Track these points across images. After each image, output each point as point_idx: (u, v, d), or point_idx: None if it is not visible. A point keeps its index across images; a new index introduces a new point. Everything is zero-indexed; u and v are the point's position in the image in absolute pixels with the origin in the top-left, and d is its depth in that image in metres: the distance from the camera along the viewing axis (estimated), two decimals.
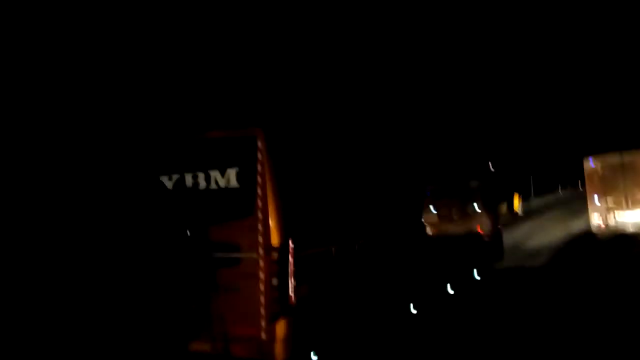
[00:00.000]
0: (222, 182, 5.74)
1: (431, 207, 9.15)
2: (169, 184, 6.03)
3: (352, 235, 6.68)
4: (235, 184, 5.67)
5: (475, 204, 11.64)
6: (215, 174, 5.77)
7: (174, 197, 5.93)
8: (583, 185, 19.82)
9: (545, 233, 20.88)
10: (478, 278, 11.13)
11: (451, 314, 8.81)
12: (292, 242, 5.47)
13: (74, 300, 5.62)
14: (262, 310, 5.39)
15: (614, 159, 18.02)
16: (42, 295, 5.56)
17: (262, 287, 5.41)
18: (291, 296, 5.42)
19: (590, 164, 18.31)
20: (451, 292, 9.51)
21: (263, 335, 5.39)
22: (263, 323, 5.39)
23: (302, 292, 5.57)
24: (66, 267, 5.73)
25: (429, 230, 9.07)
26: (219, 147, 5.79)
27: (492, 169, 12.96)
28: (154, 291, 5.68)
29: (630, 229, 17.34)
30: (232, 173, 5.69)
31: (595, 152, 18.85)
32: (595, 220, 18.31)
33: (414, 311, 7.91)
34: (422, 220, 9.10)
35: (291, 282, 5.43)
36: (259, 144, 5.53)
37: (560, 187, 43.53)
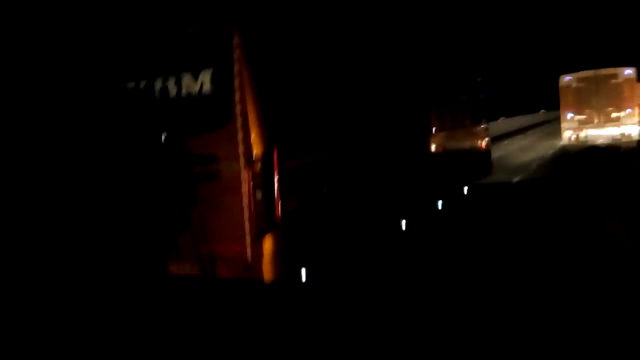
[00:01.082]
0: (195, 87, 5.10)
1: (435, 122, 8.73)
2: (135, 91, 5.38)
3: (343, 146, 6.14)
4: (210, 87, 5.04)
5: (472, 119, 11.24)
6: (187, 78, 5.11)
7: (143, 103, 5.30)
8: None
9: (526, 150, 20.97)
10: (465, 193, 10.86)
11: (442, 230, 8.54)
12: (277, 152, 4.93)
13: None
14: (247, 227, 4.92)
15: (588, 75, 18.30)
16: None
17: (245, 201, 4.92)
18: (277, 210, 4.95)
19: (565, 80, 18.61)
20: (440, 207, 9.20)
21: (248, 253, 4.95)
22: (248, 240, 4.94)
23: (290, 206, 5.09)
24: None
25: (433, 147, 8.66)
26: (190, 46, 5.10)
27: (480, 84, 12.47)
28: (127, 205, 5.18)
29: (600, 142, 18.03)
30: (206, 75, 5.03)
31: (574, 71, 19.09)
32: (567, 135, 18.87)
33: (404, 226, 7.56)
34: (431, 135, 8.64)
35: (277, 195, 4.94)
36: (235, 40, 4.85)
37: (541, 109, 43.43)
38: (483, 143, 12.20)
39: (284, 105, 5.22)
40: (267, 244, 4.96)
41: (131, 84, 5.32)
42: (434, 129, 8.77)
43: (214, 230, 5.06)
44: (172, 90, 5.18)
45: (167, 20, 5.32)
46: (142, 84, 5.31)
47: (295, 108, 5.41)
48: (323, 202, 5.68)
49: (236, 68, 4.86)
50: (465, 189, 10.75)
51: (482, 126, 12.25)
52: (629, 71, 17.97)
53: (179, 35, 5.13)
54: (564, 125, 19.17)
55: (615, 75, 17.93)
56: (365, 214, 6.54)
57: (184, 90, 5.13)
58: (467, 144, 11.05)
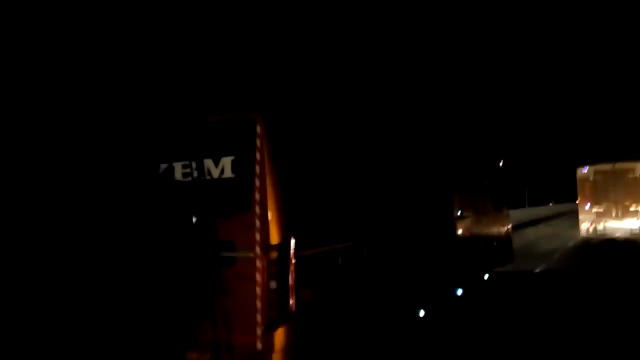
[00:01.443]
0: (215, 172, 5.12)
1: (459, 206, 8.70)
2: (157, 175, 5.42)
3: (361, 233, 6.04)
4: (230, 174, 5.05)
5: (494, 205, 11.12)
6: (208, 163, 5.14)
7: (166, 188, 5.31)
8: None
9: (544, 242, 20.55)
10: (486, 280, 10.57)
11: (460, 318, 8.23)
12: (294, 240, 4.85)
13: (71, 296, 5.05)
14: (259, 317, 4.77)
15: (606, 168, 18.65)
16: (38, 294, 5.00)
17: (258, 290, 4.79)
18: (291, 301, 4.81)
19: (584, 172, 19.02)
20: (459, 294, 8.92)
21: (259, 345, 4.78)
22: (259, 331, 4.77)
23: (304, 297, 4.95)
24: (64, 263, 5.16)
25: (460, 231, 8.55)
26: (212, 133, 5.16)
27: (501, 170, 12.46)
28: (155, 291, 5.08)
29: (618, 235, 18.16)
30: (226, 162, 5.06)
31: (589, 162, 19.43)
32: (585, 226, 18.93)
33: (422, 314, 7.30)
34: (453, 221, 8.55)
35: (292, 286, 4.81)
36: (258, 129, 4.90)
37: (553, 201, 42.52)
38: (505, 230, 12.00)
39: (303, 192, 5.19)
40: (279, 337, 4.79)
41: (154, 168, 5.36)
42: (458, 214, 8.67)
43: (225, 319, 4.91)
44: (193, 174, 5.20)
45: (191, 107, 5.42)
46: (163, 168, 5.35)
47: (315, 195, 5.37)
48: (340, 293, 5.52)
49: (258, 156, 4.88)
50: (486, 276, 10.47)
51: (504, 212, 12.09)
52: None
53: (203, 123, 5.20)
54: (581, 217, 19.20)
55: (633, 169, 18.15)
56: (383, 303, 6.33)
57: (204, 175, 5.15)
58: (489, 230, 10.87)
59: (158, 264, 4.97)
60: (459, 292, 8.86)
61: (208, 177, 5.13)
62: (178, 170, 5.29)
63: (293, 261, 4.83)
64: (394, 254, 6.66)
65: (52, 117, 5.53)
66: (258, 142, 4.89)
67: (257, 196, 4.85)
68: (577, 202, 20.02)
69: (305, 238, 5.00)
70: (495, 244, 11.13)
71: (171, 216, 5.07)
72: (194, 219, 4.94)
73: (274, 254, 4.80)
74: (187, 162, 5.22)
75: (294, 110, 5.55)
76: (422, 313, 7.32)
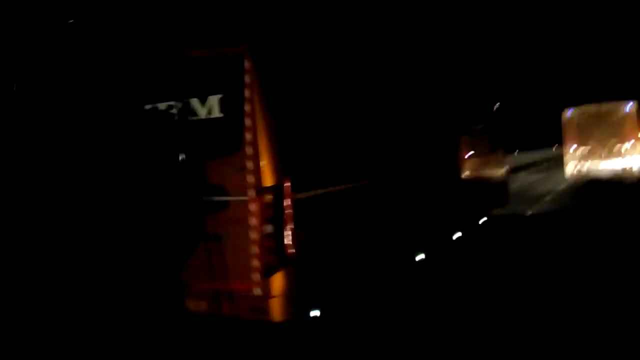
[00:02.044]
0: (202, 112, 4.81)
1: (468, 150, 8.51)
2: (140, 117, 5.09)
3: (358, 176, 5.80)
4: (219, 113, 4.74)
5: (491, 148, 10.91)
6: (194, 103, 4.82)
7: (148, 131, 5.00)
8: None
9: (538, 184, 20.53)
10: (481, 222, 10.45)
11: (457, 264, 8.12)
12: (289, 182, 4.60)
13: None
14: (255, 262, 4.57)
15: (590, 110, 18.71)
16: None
17: (254, 235, 4.57)
18: (289, 245, 4.60)
19: (569, 114, 19.07)
20: (455, 237, 8.79)
21: (257, 291, 4.59)
22: (256, 277, 4.58)
23: (301, 240, 4.74)
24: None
25: (465, 174, 8.39)
26: (198, 70, 4.82)
27: (497, 113, 12.19)
28: (142, 238, 4.86)
29: (604, 176, 18.04)
30: (214, 101, 4.74)
31: (574, 105, 19.45)
32: (570, 167, 19.01)
33: (419, 258, 7.16)
34: (460, 163, 8.38)
35: (289, 229, 4.59)
36: (246, 64, 4.57)
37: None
38: (501, 172, 11.83)
39: (296, 132, 4.90)
40: (277, 282, 4.60)
41: (137, 107, 5.04)
42: (466, 155, 8.48)
43: (220, 265, 4.71)
44: (178, 115, 4.89)
45: (173, 41, 5.05)
46: (147, 108, 5.02)
47: (309, 135, 5.08)
48: (337, 236, 5.31)
49: (247, 93, 4.56)
50: (482, 220, 10.34)
51: (500, 155, 11.89)
52: (630, 104, 18.41)
53: (187, 58, 4.85)
54: (567, 157, 19.31)
55: (617, 109, 18.37)
56: (381, 247, 6.16)
57: (190, 116, 4.84)
58: (488, 172, 10.70)
59: (141, 205, 4.73)
60: (456, 235, 8.74)
61: (194, 117, 4.82)
62: (162, 110, 4.97)
63: (289, 204, 4.60)
64: (393, 196, 6.44)
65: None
66: (247, 78, 4.56)
67: (248, 136, 4.57)
68: (563, 144, 20.06)
69: (301, 180, 4.75)
70: (493, 186, 10.98)
71: (154, 156, 4.79)
72: (180, 159, 4.68)
73: (268, 197, 4.55)
74: (171, 103, 4.91)
75: (286, 43, 5.19)
76: (420, 257, 7.19)
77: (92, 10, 5.61)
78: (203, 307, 4.85)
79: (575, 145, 18.76)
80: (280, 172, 4.62)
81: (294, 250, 4.61)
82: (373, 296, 5.92)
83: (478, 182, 9.75)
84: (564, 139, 19.63)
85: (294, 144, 4.83)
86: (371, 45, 6.63)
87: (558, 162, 21.94)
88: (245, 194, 4.59)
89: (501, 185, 12.01)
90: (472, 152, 8.97)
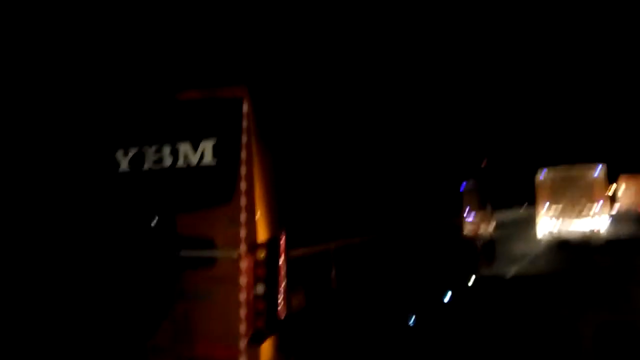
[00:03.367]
0: (193, 158, 4.40)
1: (468, 205, 8.30)
2: (124, 161, 4.67)
3: (355, 231, 5.41)
4: (211, 160, 4.34)
5: (481, 205, 10.68)
6: (185, 148, 4.43)
7: (130, 177, 4.57)
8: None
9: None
10: (470, 284, 10.09)
11: (449, 327, 7.69)
12: (284, 238, 4.19)
13: None
14: (242, 327, 4.08)
15: (563, 170, 19.97)
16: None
17: (242, 296, 4.11)
18: (280, 309, 4.14)
19: (542, 174, 20.18)
20: (446, 299, 8.39)
21: None
22: (242, 344, 4.08)
23: (295, 305, 4.29)
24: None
25: (467, 231, 8.11)
26: (191, 113, 4.45)
27: (485, 170, 12.04)
28: (110, 297, 4.37)
29: (574, 237, 19.22)
30: (207, 146, 4.35)
31: (546, 165, 20.66)
32: (542, 226, 19.90)
33: (412, 321, 6.73)
34: (464, 219, 8.12)
35: (281, 291, 4.15)
36: (245, 107, 4.21)
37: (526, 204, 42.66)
38: (491, 229, 11.60)
39: (294, 183, 4.52)
40: (266, 350, 4.11)
41: (121, 153, 4.62)
42: (466, 213, 8.22)
43: (202, 328, 4.22)
44: (167, 160, 4.48)
45: (164, 82, 4.70)
46: (132, 153, 4.61)
47: (306, 187, 4.71)
48: (333, 297, 4.87)
49: (244, 139, 4.19)
50: (472, 280, 9.99)
51: (489, 212, 11.68)
52: (599, 167, 19.63)
53: (180, 101, 4.48)
54: (539, 217, 20.11)
55: (588, 170, 19.55)
56: (376, 309, 5.72)
57: (179, 161, 4.43)
58: (480, 229, 10.43)
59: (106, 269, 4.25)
60: (447, 296, 8.34)
61: (184, 164, 4.42)
62: (149, 155, 4.56)
63: (283, 262, 4.17)
64: (387, 254, 6.05)
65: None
66: (245, 122, 4.20)
67: (243, 186, 4.16)
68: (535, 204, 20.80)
69: (295, 236, 4.34)
70: (481, 243, 10.68)
71: (127, 213, 4.36)
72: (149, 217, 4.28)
73: (261, 254, 4.12)
74: (159, 147, 4.51)
75: (285, 86, 4.87)
76: (412, 320, 6.76)
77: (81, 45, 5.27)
78: None
79: (548, 203, 19.64)
80: (276, 225, 4.21)
81: (285, 315, 4.15)
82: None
83: (471, 239, 9.47)
84: (536, 198, 20.40)
85: (290, 196, 4.44)
86: (371, 95, 6.37)
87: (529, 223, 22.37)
88: (234, 249, 4.15)
89: (490, 242, 11.75)
90: (469, 209, 8.77)
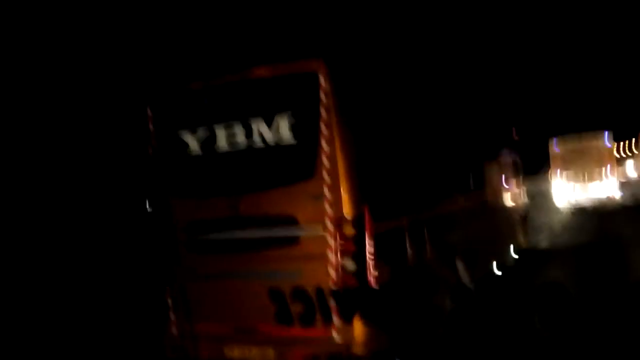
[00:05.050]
0: (268, 135, 4.31)
1: (506, 174, 8.30)
2: (193, 142, 4.59)
3: (431, 201, 5.33)
4: (289, 136, 4.24)
5: (519, 174, 10.61)
6: (258, 125, 4.33)
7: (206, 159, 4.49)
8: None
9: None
10: (514, 254, 9.98)
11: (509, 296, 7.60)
12: (369, 212, 4.11)
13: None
14: (335, 304, 4.03)
15: (573, 139, 21.14)
16: None
17: (332, 272, 4.05)
18: (371, 284, 4.07)
19: (554, 144, 21.23)
20: (494, 271, 8.32)
21: (336, 337, 4.04)
22: (336, 321, 4.04)
23: (382, 278, 4.21)
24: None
25: (506, 201, 8.13)
26: (264, 90, 4.35)
27: (518, 143, 11.91)
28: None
29: (592, 203, 19.81)
30: (283, 123, 4.25)
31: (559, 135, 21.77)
32: (558, 193, 20.82)
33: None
34: (504, 188, 8.08)
35: (370, 266, 4.08)
36: (322, 81, 4.10)
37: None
38: (525, 199, 11.48)
39: (375, 155, 4.43)
40: (358, 326, 4.05)
41: (188, 135, 4.54)
42: (505, 182, 8.14)
43: (287, 308, 4.17)
44: (240, 139, 4.40)
45: (233, 57, 4.59)
46: (202, 134, 4.52)
47: (387, 159, 4.61)
48: (416, 270, 4.80)
49: (324, 113, 4.09)
50: (514, 250, 9.90)
51: (522, 182, 11.56)
52: (606, 136, 20.86)
53: (253, 79, 4.38)
54: (554, 184, 21.09)
55: (596, 140, 20.73)
56: (446, 278, 5.67)
57: (256, 140, 4.34)
58: (514, 199, 10.33)
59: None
60: (495, 269, 8.28)
61: (260, 142, 4.33)
62: (221, 134, 4.47)
63: (370, 237, 4.09)
64: (452, 226, 5.97)
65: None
66: (323, 97, 4.09)
67: (326, 161, 4.07)
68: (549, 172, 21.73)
69: (379, 209, 4.26)
70: (517, 214, 10.59)
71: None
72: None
73: (349, 229, 4.04)
74: (231, 124, 4.42)
75: (363, 55, 4.74)
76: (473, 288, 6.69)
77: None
78: (269, 356, 4.28)
79: (560, 171, 20.74)
80: (360, 200, 4.12)
81: (376, 289, 4.08)
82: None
83: (511, 209, 9.40)
84: (551, 168, 21.31)
85: (372, 169, 4.35)
86: (437, 66, 6.25)
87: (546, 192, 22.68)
88: (320, 226, 4.08)
89: (524, 212, 11.65)
90: (506, 178, 8.71)
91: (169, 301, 4.74)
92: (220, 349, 4.46)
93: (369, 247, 4.06)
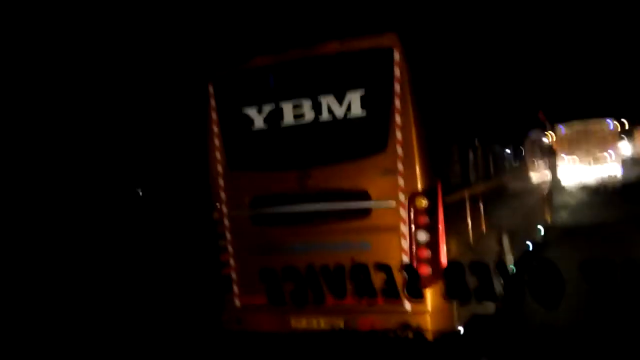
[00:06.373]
0: (339, 110, 4.36)
1: (534, 154, 8.46)
2: (258, 117, 4.64)
3: (484, 176, 5.42)
4: (360, 111, 4.29)
5: (546, 154, 10.80)
6: (327, 100, 4.38)
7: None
8: None
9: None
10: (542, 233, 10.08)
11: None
12: (440, 186, 4.19)
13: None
14: (407, 275, 4.12)
15: (579, 125, 22.55)
16: None
17: (405, 244, 4.13)
18: (442, 256, 4.17)
19: (561, 128, 22.47)
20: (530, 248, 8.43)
21: (407, 306, 4.15)
22: (408, 293, 4.12)
23: (451, 251, 4.29)
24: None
25: (536, 179, 8.27)
26: (335, 65, 4.39)
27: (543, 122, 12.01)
28: None
29: (595, 181, 21.55)
30: (354, 97, 4.30)
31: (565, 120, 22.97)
32: (564, 174, 22.20)
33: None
34: (533, 168, 8.22)
35: (442, 238, 4.16)
36: (396, 55, 4.14)
37: None
38: (551, 178, 11.62)
39: (445, 130, 4.50)
40: (431, 297, 4.15)
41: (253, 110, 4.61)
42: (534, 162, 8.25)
43: (363, 279, 4.26)
44: (308, 114, 4.45)
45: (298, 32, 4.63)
46: (267, 110, 4.58)
47: (454, 134, 4.69)
48: (474, 244, 4.90)
49: (397, 88, 4.14)
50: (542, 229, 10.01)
51: (548, 165, 11.67)
52: (611, 122, 22.38)
53: (321, 52, 4.43)
54: (560, 166, 22.26)
55: (600, 125, 22.25)
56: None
57: (324, 114, 4.40)
58: (542, 178, 10.46)
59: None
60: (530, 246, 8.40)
61: (329, 117, 4.38)
62: (288, 111, 4.53)
63: (442, 209, 4.17)
64: (504, 202, 6.07)
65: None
66: (397, 71, 4.14)
67: (399, 134, 4.13)
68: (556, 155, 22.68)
69: (449, 182, 4.34)
70: (544, 193, 10.71)
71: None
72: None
73: (422, 202, 4.12)
74: (299, 101, 4.47)
75: (434, 31, 4.79)
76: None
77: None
78: (338, 325, 4.39)
79: (566, 155, 22.11)
80: (432, 174, 4.20)
81: (447, 261, 4.18)
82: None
83: (538, 188, 9.53)
84: (557, 151, 21.89)
85: (441, 142, 4.42)
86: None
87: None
88: (393, 199, 4.16)
89: (549, 191, 11.77)
90: (535, 158, 8.85)
91: (232, 274, 4.83)
92: (286, 320, 4.55)
93: (440, 220, 4.15)
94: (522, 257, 7.36)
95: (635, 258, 3.96)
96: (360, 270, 4.12)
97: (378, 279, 4.14)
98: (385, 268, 4.13)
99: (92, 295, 8.13)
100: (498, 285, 5.20)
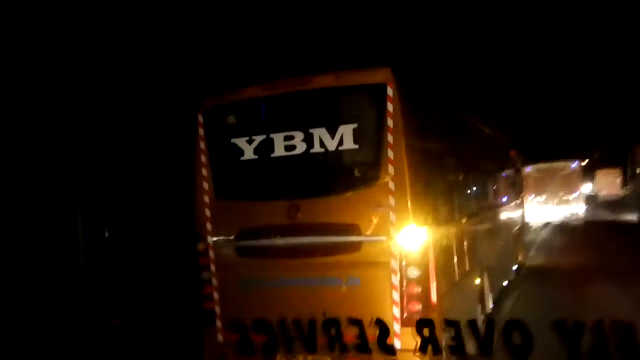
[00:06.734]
0: (331, 144, 4.35)
1: (512, 193, 8.67)
2: (248, 149, 4.60)
3: (469, 213, 5.47)
4: (352, 145, 4.29)
5: (519, 193, 11.05)
6: (320, 133, 4.36)
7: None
8: None
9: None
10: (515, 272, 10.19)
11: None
12: (433, 220, 4.19)
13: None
14: (397, 311, 4.07)
15: (545, 167, 23.49)
16: None
17: (395, 280, 4.09)
18: (433, 291, 4.13)
19: (528, 170, 22.75)
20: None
21: (396, 343, 4.07)
22: (397, 329, 4.07)
23: (441, 289, 4.27)
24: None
25: (511, 217, 8.43)
26: (328, 99, 4.41)
27: (514, 160, 12.25)
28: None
29: (558, 219, 22.62)
30: (346, 131, 4.29)
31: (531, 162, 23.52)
32: (530, 213, 22.21)
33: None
34: (508, 207, 8.37)
35: (433, 273, 4.14)
36: (390, 90, 4.18)
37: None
38: (522, 219, 11.79)
39: (436, 166, 4.53)
40: (420, 333, 4.08)
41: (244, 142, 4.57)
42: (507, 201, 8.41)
43: (348, 313, 4.18)
44: (300, 146, 4.43)
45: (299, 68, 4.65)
46: (258, 141, 4.54)
47: (445, 169, 4.72)
48: (459, 282, 4.89)
49: (390, 123, 4.15)
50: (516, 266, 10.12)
51: (521, 204, 11.87)
52: (575, 164, 23.43)
53: (315, 89, 4.43)
54: (527, 206, 23.47)
55: (565, 167, 23.25)
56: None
57: (315, 147, 4.38)
58: (518, 217, 10.65)
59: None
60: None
61: (320, 149, 4.36)
62: (279, 143, 4.49)
63: (434, 245, 4.17)
64: (484, 240, 6.12)
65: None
66: (390, 106, 4.17)
67: (391, 169, 4.13)
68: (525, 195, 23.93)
69: (437, 218, 4.35)
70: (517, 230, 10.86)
71: None
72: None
73: (413, 238, 4.10)
74: (290, 134, 4.45)
75: (429, 67, 4.86)
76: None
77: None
78: None
79: (533, 196, 22.60)
80: (423, 209, 4.20)
81: (437, 297, 4.15)
82: None
83: (512, 227, 9.69)
84: (524, 191, 22.97)
85: (433, 178, 4.44)
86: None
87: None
88: (383, 234, 4.13)
89: (521, 230, 11.93)
90: (509, 197, 9.05)
91: (216, 308, 4.70)
92: (272, 357, 4.43)
93: (432, 256, 4.14)
94: (494, 308, 7.38)
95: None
96: (332, 324, 4.02)
97: (350, 333, 4.04)
98: (357, 323, 4.02)
99: (74, 332, 7.82)
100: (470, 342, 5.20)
